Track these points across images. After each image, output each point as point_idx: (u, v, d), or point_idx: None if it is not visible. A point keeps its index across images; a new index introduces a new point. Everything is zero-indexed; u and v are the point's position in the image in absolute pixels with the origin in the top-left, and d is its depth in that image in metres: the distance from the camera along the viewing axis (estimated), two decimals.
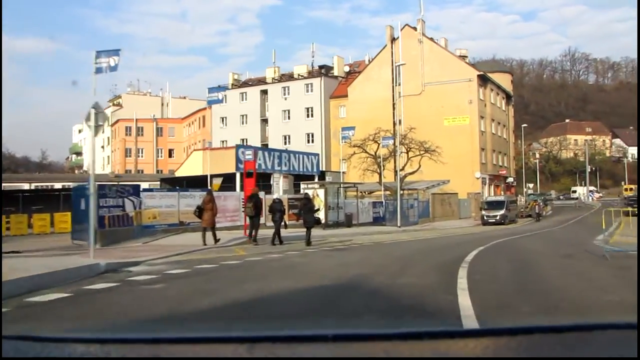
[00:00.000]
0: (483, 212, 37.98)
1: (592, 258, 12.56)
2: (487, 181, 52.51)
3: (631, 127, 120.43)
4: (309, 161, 28.33)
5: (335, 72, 67.86)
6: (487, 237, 21.03)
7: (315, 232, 23.51)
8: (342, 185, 31.37)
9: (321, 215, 25.50)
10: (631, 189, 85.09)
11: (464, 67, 52.19)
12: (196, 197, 21.10)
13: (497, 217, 36.84)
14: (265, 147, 68.69)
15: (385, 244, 17.74)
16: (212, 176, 30.36)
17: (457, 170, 48.07)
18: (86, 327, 5.34)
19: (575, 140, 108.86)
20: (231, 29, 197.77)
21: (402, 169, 43.42)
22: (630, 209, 45.05)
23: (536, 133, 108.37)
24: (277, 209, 17.96)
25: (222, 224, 22.84)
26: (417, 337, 1.39)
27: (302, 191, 26.73)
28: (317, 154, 30.34)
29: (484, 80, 52.73)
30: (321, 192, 25.60)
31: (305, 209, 17.94)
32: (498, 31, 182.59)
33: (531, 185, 64.10)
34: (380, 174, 41.79)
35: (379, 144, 41.74)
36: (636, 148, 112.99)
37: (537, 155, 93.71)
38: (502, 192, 53.30)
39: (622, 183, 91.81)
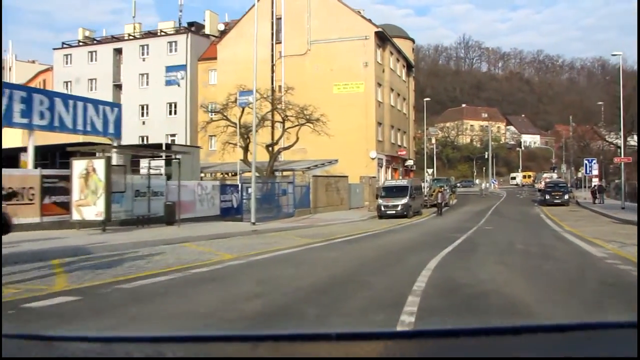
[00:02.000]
0: (380, 201, 28.34)
1: None
2: (384, 163, 43.26)
3: (523, 115, 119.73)
4: (97, 115, 16.55)
5: (207, 31, 55.91)
6: (397, 251, 10.93)
7: (78, 238, 12.19)
8: (157, 155, 19.95)
9: (100, 205, 14.06)
10: (529, 176, 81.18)
11: (359, 22, 42.27)
12: None
13: (399, 208, 27.38)
14: None
15: (147, 286, 6.61)
16: (19, 149, 18.84)
17: (349, 148, 38.41)
18: None
19: (472, 125, 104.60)
20: (125, 7, 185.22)
21: (276, 143, 32.82)
22: (547, 197, 38.25)
23: (432, 118, 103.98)
24: None
25: None
26: (422, 335, 1.38)
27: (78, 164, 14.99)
28: (119, 105, 18.64)
29: (382, 40, 43.22)
30: (100, 166, 14.10)
31: None
32: (393, 22, 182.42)
33: (430, 171, 56.06)
34: (245, 149, 30.98)
35: (243, 108, 30.83)
36: (529, 136, 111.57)
37: (434, 140, 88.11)
38: (401, 177, 44.38)
39: (518, 170, 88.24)
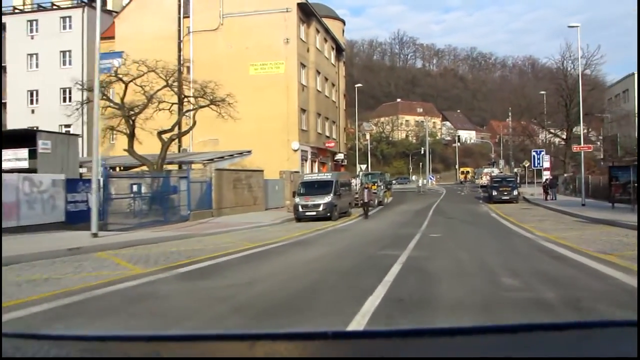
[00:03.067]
0: (297, 200, 22.72)
1: None
2: (309, 156, 37.61)
3: (459, 111, 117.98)
4: None
5: (110, 7, 48.60)
6: (258, 312, 5.18)
7: None
8: None
9: None
10: (467, 172, 78.07)
11: None
12: None
13: (321, 208, 21.91)
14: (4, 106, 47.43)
15: None
16: None
17: (268, 138, 32.74)
18: None
19: (407, 120, 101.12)
20: None
21: (171, 130, 26.46)
22: (494, 193, 33.94)
23: (366, 113, 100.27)
24: None
25: None
26: (418, 334, 1.35)
27: None
28: None
29: (307, 14, 37.60)
30: None
31: None
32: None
33: (363, 167, 51.10)
34: (130, 136, 24.53)
35: (126, 86, 24.39)
36: (465, 131, 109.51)
37: (368, 136, 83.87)
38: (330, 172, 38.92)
39: (456, 167, 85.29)
